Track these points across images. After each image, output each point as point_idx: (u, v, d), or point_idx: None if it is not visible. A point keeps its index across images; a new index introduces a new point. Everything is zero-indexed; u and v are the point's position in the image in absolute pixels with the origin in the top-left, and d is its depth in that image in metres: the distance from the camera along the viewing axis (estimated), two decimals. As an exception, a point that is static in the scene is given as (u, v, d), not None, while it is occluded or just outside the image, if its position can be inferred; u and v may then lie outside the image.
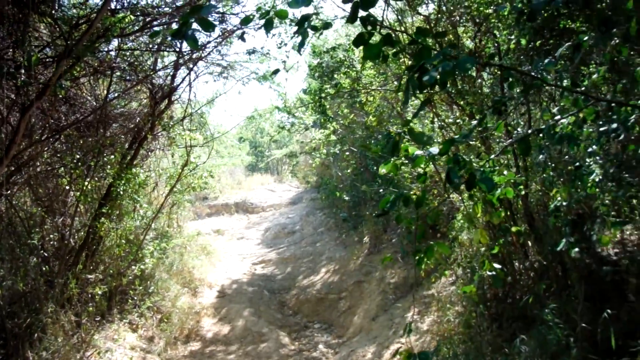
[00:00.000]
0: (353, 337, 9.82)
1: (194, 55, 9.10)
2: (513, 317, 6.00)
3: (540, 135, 3.43)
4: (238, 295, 12.36)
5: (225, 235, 19.94)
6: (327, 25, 3.19)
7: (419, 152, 3.05)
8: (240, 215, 23.55)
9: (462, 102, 6.86)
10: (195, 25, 2.52)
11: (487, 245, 6.40)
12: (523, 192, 5.96)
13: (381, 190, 13.25)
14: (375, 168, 14.54)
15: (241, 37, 3.84)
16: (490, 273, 3.51)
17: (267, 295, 12.79)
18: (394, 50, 3.01)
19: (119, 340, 8.09)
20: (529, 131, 4.24)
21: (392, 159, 3.28)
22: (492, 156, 3.45)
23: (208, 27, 2.53)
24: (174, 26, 8.60)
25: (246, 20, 2.90)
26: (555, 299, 5.36)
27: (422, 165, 3.25)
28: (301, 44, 3.02)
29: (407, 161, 3.23)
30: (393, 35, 2.85)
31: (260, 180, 29.88)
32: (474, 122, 3.63)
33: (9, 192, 6.88)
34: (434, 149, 3.00)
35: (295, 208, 22.57)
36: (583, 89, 4.08)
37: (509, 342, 5.53)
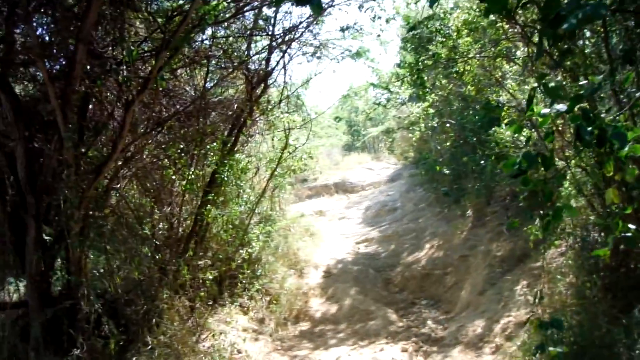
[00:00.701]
0: (461, 312, 9.70)
1: (287, 38, 9.15)
2: (628, 287, 5.77)
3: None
4: (343, 274, 12.43)
5: (327, 216, 20.11)
6: None
7: (545, 110, 2.94)
8: (340, 196, 23.66)
9: (569, 63, 6.57)
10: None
11: (601, 210, 6.15)
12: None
13: (482, 161, 12.98)
14: (474, 139, 14.24)
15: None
16: (625, 235, 3.31)
17: (372, 273, 12.80)
18: (522, 1, 2.89)
19: (232, 323, 8.29)
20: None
21: (518, 120, 3.18)
22: (624, 109, 3.28)
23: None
24: (265, 10, 8.70)
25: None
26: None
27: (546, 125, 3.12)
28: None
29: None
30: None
31: (358, 160, 29.83)
32: (600, 77, 3.43)
33: (118, 185, 7.13)
34: (562, 106, 2.87)
35: (394, 185, 22.46)
36: None
37: (625, 313, 5.33)
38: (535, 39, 7.41)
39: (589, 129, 2.66)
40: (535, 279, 8.44)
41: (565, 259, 7.55)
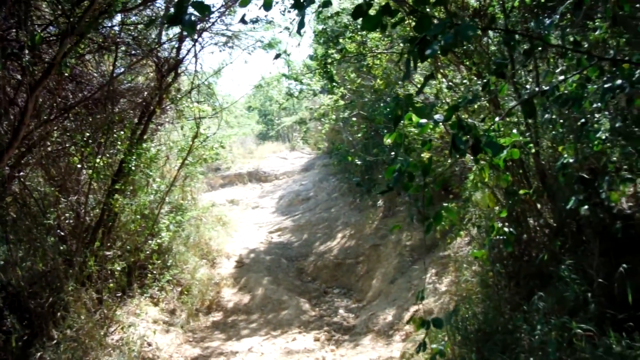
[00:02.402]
0: (372, 301, 9.87)
1: (198, 27, 9.03)
2: (530, 275, 5.96)
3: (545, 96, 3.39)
4: (256, 264, 12.43)
5: (240, 205, 20.02)
6: (326, 3, 3.15)
7: (424, 120, 3.03)
8: (254, 185, 23.61)
9: (468, 62, 6.77)
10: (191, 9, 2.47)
11: (500, 206, 6.38)
12: (533, 150, 5.89)
13: (392, 153, 13.18)
14: (385, 131, 14.45)
15: (242, 20, 3.75)
16: (500, 237, 3.48)
17: (285, 263, 12.86)
18: (394, 20, 2.98)
19: (142, 315, 8.17)
20: (532, 93, 4.19)
21: (396, 129, 3.26)
22: (497, 119, 3.42)
23: (204, 10, 2.48)
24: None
25: (244, 2, 2.82)
26: (571, 256, 5.32)
27: (429, 131, 3.22)
28: (300, 25, 2.99)
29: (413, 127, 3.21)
30: (392, 4, 2.82)
31: (272, 149, 29.88)
32: (478, 86, 3.58)
33: (21, 173, 6.89)
34: (439, 116, 2.98)
35: (308, 175, 22.57)
36: (586, 46, 4.02)
37: (526, 300, 5.51)
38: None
39: (464, 138, 2.76)
40: (443, 267, 8.66)
41: (471, 249, 7.77)
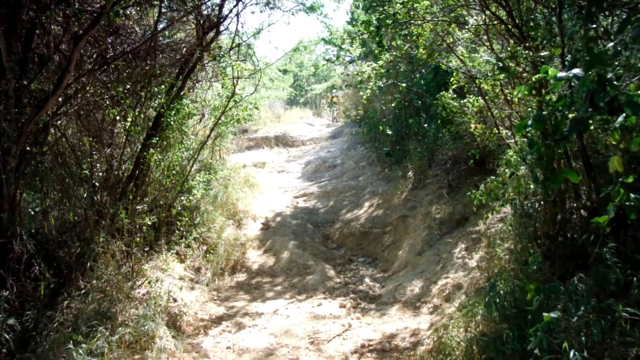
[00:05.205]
0: (399, 272, 9.81)
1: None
2: (566, 255, 5.87)
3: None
4: (282, 227, 12.42)
5: (266, 169, 20.02)
6: None
7: (561, 73, 2.92)
8: (280, 149, 23.57)
9: (527, 31, 6.56)
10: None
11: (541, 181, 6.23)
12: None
13: (426, 125, 13.07)
14: (419, 102, 14.32)
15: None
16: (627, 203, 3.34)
17: (310, 228, 12.84)
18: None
19: (168, 271, 8.16)
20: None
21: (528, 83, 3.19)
22: (635, 78, 3.28)
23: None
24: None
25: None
26: (612, 239, 5.19)
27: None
28: None
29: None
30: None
31: (299, 114, 29.78)
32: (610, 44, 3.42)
33: (59, 122, 6.86)
34: (578, 71, 2.85)
35: (336, 142, 22.45)
36: None
37: (562, 281, 5.42)
38: (492, 7, 7.40)
39: (603, 95, 2.67)
40: (473, 242, 8.57)
41: (504, 226, 7.65)
